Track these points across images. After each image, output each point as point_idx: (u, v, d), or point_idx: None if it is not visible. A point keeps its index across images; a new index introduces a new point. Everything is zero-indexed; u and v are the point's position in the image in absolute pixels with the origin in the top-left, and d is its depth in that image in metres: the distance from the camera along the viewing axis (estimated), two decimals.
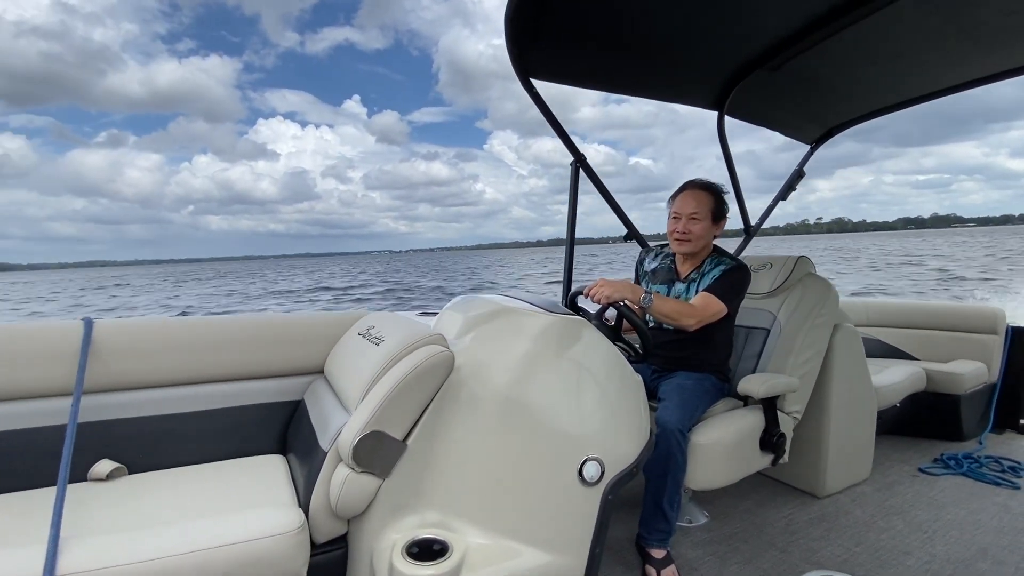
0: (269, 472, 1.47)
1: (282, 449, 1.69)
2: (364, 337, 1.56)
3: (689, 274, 2.01)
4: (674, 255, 2.10)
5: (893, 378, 2.64)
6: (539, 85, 2.17)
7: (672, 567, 1.70)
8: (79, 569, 0.94)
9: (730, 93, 2.58)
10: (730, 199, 2.07)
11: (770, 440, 1.90)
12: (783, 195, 3.18)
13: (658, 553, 1.71)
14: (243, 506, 1.25)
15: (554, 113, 2.20)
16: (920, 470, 2.49)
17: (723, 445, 1.80)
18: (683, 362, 1.97)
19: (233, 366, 1.67)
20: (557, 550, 1.25)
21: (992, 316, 3.07)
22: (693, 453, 1.74)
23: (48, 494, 1.16)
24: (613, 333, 1.78)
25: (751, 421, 1.89)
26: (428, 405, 1.25)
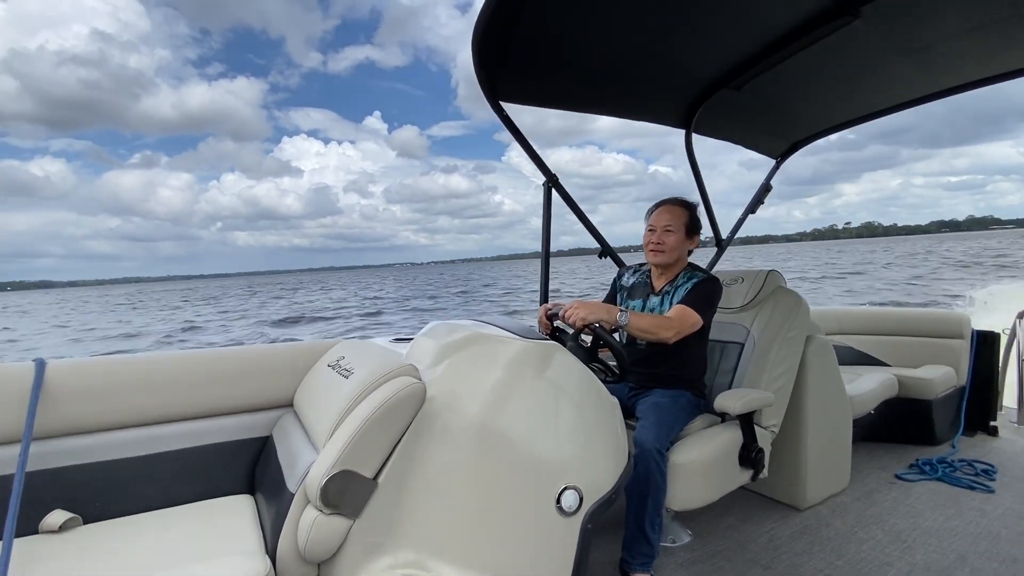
0: (235, 515, 1.41)
1: (250, 488, 1.62)
2: (334, 368, 1.51)
3: (663, 288, 2.04)
4: (650, 271, 2.12)
5: (867, 386, 2.69)
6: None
7: None
8: None
9: (696, 112, 2.63)
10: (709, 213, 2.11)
11: (749, 456, 1.90)
12: (752, 209, 3.24)
13: None
14: (206, 555, 1.19)
15: (524, 134, 2.22)
16: (897, 476, 2.53)
17: (702, 463, 1.79)
18: (658, 379, 1.97)
19: (197, 403, 1.60)
20: None
21: (958, 321, 3.16)
22: (673, 473, 1.73)
23: None
24: (589, 355, 1.77)
25: (729, 438, 1.89)
26: (400, 439, 1.22)
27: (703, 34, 2.03)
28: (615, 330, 1.84)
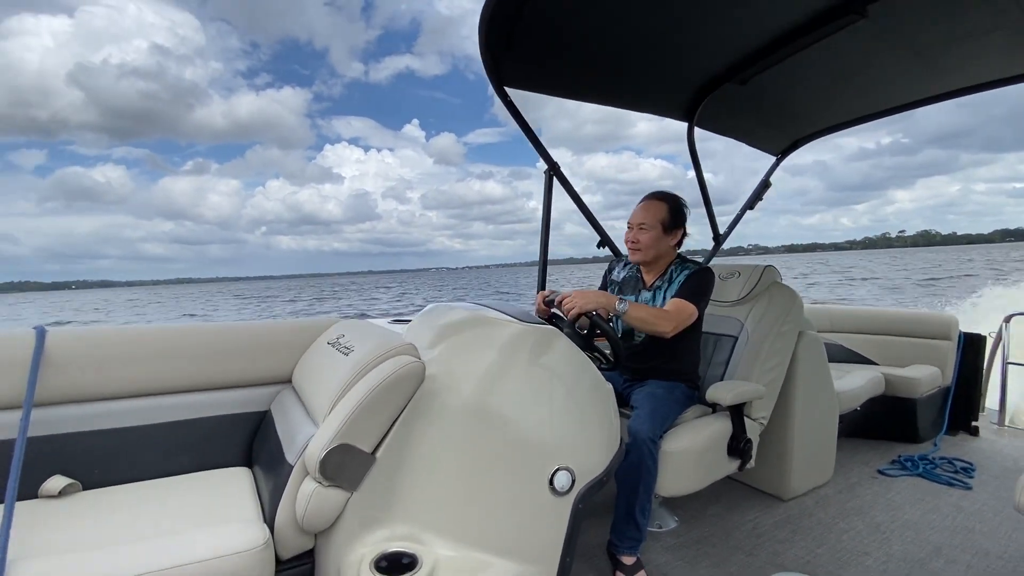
0: (233, 486, 1.43)
1: (248, 461, 1.64)
2: (333, 346, 1.53)
3: (654, 282, 2.05)
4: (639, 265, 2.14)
5: (854, 383, 2.74)
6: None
7: (642, 573, 1.72)
8: None
9: (699, 105, 2.64)
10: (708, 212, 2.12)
11: (737, 446, 1.94)
12: (750, 205, 3.27)
13: (629, 559, 1.73)
14: (205, 522, 1.21)
15: (529, 122, 2.22)
16: (879, 472, 2.59)
17: (693, 452, 1.83)
18: (654, 371, 2.00)
19: (197, 376, 1.62)
20: (527, 560, 1.25)
21: (946, 322, 3.21)
22: (664, 460, 1.77)
23: None
24: (585, 342, 1.79)
25: (719, 428, 1.93)
26: (398, 416, 1.24)
27: (710, 27, 2.03)
28: (610, 319, 1.87)
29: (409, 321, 1.89)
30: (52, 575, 0.95)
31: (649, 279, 2.08)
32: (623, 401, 1.96)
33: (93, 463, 1.44)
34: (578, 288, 1.84)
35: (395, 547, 1.17)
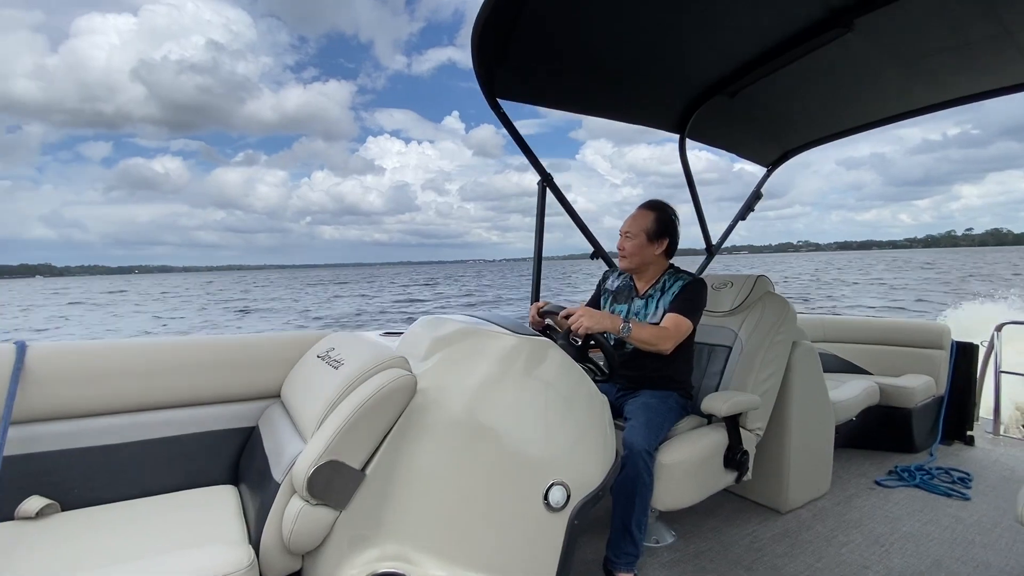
0: (218, 505, 1.39)
1: (234, 479, 1.60)
2: (323, 360, 1.50)
3: (647, 291, 2.06)
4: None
5: (850, 393, 2.73)
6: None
7: None
8: None
9: (691, 117, 2.66)
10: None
11: (734, 458, 1.92)
12: (742, 215, 3.29)
13: None
14: (188, 544, 1.17)
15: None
16: (876, 483, 2.57)
17: (689, 464, 1.80)
18: (647, 380, 1.98)
19: (181, 391, 1.58)
20: None
21: (939, 332, 3.22)
22: (659, 473, 1.74)
23: None
24: (579, 353, 1.78)
25: (715, 439, 1.91)
26: (389, 432, 1.21)
27: (700, 40, 2.05)
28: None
29: (401, 334, 1.87)
30: None
31: (641, 287, 2.09)
32: (616, 412, 1.93)
33: (72, 483, 1.39)
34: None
35: (385, 568, 1.13)
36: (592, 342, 1.82)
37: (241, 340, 1.71)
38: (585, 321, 1.68)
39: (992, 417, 3.34)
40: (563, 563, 1.26)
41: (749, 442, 2.01)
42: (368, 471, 1.17)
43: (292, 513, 1.11)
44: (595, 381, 1.56)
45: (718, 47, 2.12)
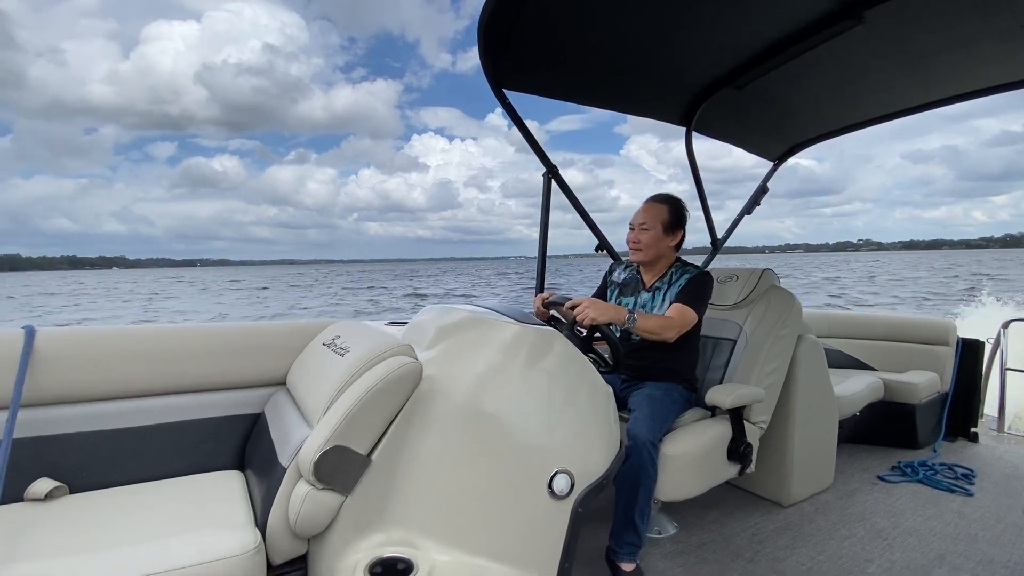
0: (224, 489, 1.40)
1: (240, 465, 1.61)
2: (329, 347, 1.51)
3: (654, 283, 2.06)
4: (639, 267, 2.14)
5: (854, 388, 2.72)
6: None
7: None
8: None
9: (697, 110, 2.65)
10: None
11: (737, 450, 1.92)
12: (748, 210, 3.27)
13: (628, 566, 1.70)
14: (195, 526, 1.18)
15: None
16: (879, 478, 2.57)
17: (692, 456, 1.81)
18: (651, 372, 1.99)
19: (189, 377, 1.59)
20: (526, 565, 1.23)
21: (944, 328, 3.21)
22: (663, 464, 1.74)
23: None
24: (584, 344, 1.78)
25: (719, 431, 1.91)
26: (394, 418, 1.21)
27: (708, 32, 2.04)
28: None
29: (406, 323, 1.87)
30: None
31: (648, 280, 2.09)
32: (621, 404, 1.94)
33: (81, 466, 1.41)
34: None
35: (390, 552, 1.14)
36: (597, 333, 1.82)
37: (247, 328, 1.72)
38: (590, 312, 1.69)
39: (996, 414, 3.33)
40: (567, 550, 1.27)
41: (752, 435, 2.01)
42: (374, 457, 1.18)
43: (299, 497, 1.11)
44: (599, 372, 1.56)
45: (727, 39, 2.11)
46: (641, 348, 1.99)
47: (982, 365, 3.22)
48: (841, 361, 3.36)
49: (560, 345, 1.42)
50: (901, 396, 2.92)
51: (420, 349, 1.43)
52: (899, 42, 2.04)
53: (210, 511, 1.27)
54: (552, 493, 1.25)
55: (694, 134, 2.84)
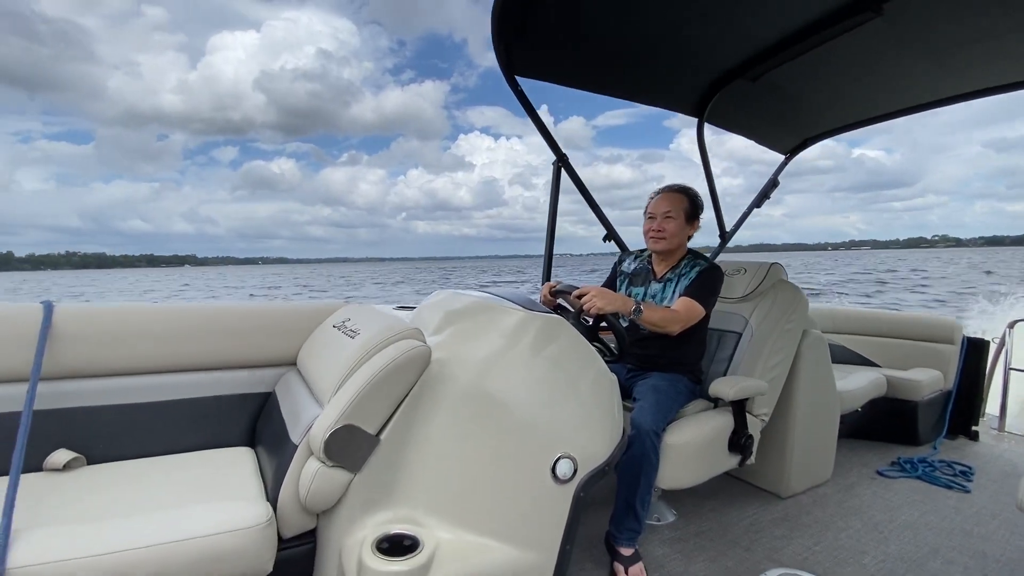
0: (236, 465, 1.44)
1: (251, 442, 1.65)
2: (339, 329, 1.53)
3: (665, 274, 2.06)
4: (651, 257, 2.14)
5: (856, 384, 2.73)
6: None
7: (639, 564, 1.73)
8: (31, 562, 0.91)
9: (711, 100, 2.62)
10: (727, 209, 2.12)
11: (738, 441, 1.94)
12: (758, 203, 3.26)
13: (627, 551, 1.73)
14: (208, 499, 1.22)
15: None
16: (878, 472, 2.59)
17: (694, 446, 1.83)
18: (657, 363, 2.00)
19: (202, 355, 1.62)
20: (528, 547, 1.26)
21: (949, 326, 3.20)
22: (665, 453, 1.77)
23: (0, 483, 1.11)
24: (590, 332, 1.79)
25: (721, 422, 1.93)
26: (403, 400, 1.24)
27: (723, 22, 2.01)
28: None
29: (414, 307, 1.90)
30: (56, 546, 0.95)
31: (660, 271, 2.09)
32: (626, 393, 1.96)
33: (98, 438, 1.45)
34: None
35: (397, 529, 1.17)
36: (603, 323, 1.83)
37: (259, 308, 1.75)
38: (597, 301, 1.70)
39: (998, 414, 3.34)
40: (568, 533, 1.30)
41: (754, 427, 2.03)
42: (382, 437, 1.21)
43: (309, 473, 1.15)
44: (605, 361, 1.58)
45: (742, 29, 2.08)
46: (648, 339, 2.00)
47: (986, 364, 3.22)
48: (845, 357, 3.36)
49: (566, 333, 1.43)
50: (904, 393, 2.93)
51: (428, 333, 1.45)
52: (918, 34, 2.01)
53: (223, 484, 1.31)
54: (555, 477, 1.27)
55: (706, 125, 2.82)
